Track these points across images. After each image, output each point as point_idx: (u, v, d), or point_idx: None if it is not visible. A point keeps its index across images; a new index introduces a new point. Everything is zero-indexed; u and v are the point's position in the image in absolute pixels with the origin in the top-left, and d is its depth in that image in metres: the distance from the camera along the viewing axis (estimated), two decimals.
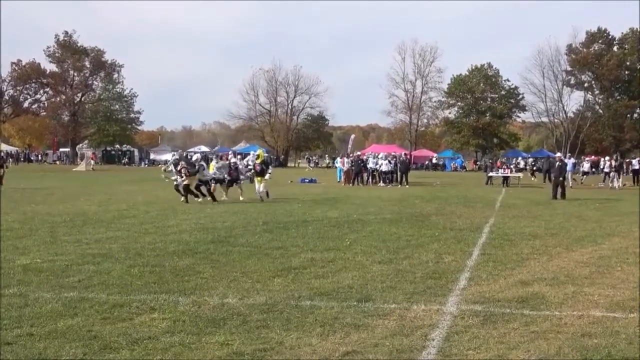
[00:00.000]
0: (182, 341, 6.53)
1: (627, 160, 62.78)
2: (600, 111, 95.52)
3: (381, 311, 7.82)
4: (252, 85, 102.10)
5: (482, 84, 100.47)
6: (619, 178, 41.59)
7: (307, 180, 43.56)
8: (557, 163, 30.38)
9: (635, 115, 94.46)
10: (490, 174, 44.37)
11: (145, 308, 7.81)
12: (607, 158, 46.12)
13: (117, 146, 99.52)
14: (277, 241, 13.64)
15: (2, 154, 51.73)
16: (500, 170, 44.72)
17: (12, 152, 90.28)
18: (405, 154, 47.67)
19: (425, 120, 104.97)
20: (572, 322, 7.44)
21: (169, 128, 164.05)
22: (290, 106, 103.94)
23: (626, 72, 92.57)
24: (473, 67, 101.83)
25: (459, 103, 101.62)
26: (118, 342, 6.44)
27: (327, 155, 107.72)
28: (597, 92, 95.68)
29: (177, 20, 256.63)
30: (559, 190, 28.75)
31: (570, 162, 43.33)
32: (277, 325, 7.18)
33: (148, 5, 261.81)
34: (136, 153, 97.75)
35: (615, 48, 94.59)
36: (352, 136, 64.10)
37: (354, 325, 7.21)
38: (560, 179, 29.41)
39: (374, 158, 44.55)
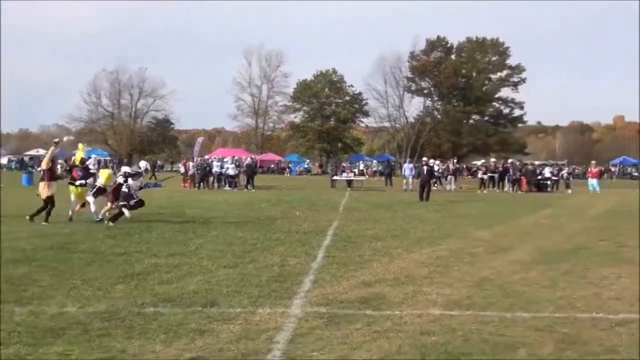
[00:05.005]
0: (17, 353, 6.24)
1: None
2: (439, 117, 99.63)
3: (226, 316, 7.79)
4: (93, 86, 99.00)
5: (327, 89, 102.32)
6: (455, 181, 43.67)
7: (152, 185, 42.61)
8: (425, 167, 32.38)
9: (471, 121, 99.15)
10: (334, 177, 45.25)
11: None
12: (437, 162, 47.91)
13: None
14: (119, 247, 13.28)
15: None
16: (344, 173, 45.74)
17: None
18: (251, 158, 47.76)
19: (271, 124, 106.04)
20: (412, 321, 7.70)
21: (3, 130, 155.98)
22: (134, 109, 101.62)
23: (462, 80, 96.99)
24: (318, 72, 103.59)
25: (305, 107, 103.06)
26: None
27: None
28: (436, 98, 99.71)
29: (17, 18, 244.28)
30: (425, 192, 30.96)
31: (409, 166, 45.08)
32: (119, 333, 7.01)
33: None
34: None
35: (452, 56, 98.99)
36: (200, 139, 63.26)
37: (199, 330, 7.15)
38: (432, 181, 32.49)
39: (218, 162, 44.37)
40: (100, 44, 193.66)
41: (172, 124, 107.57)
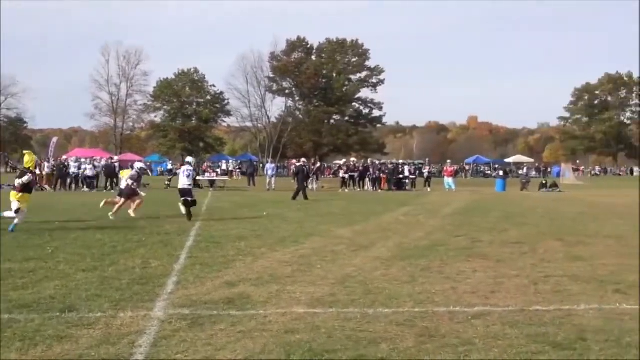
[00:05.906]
0: None
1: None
2: (301, 117, 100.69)
3: (86, 321, 7.57)
4: None
5: (188, 88, 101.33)
6: (317, 180, 44.33)
7: (6, 186, 40.73)
8: (304, 167, 33.89)
9: (332, 121, 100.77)
10: (198, 177, 44.92)
11: None
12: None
13: None
14: None
15: None
16: (206, 173, 45.50)
17: None
18: (110, 159, 46.60)
19: (131, 124, 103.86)
20: (276, 320, 7.75)
21: None
22: None
23: (323, 80, 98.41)
24: (179, 72, 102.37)
25: (165, 107, 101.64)
26: None
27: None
28: (297, 98, 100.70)
29: None
30: (302, 191, 31.76)
31: (271, 166, 45.51)
32: None
33: None
34: None
35: (313, 57, 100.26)
36: (54, 139, 61.00)
37: (57, 337, 6.91)
38: (305, 182, 33.69)
39: (75, 162, 43.04)
40: None
41: (25, 123, 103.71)
